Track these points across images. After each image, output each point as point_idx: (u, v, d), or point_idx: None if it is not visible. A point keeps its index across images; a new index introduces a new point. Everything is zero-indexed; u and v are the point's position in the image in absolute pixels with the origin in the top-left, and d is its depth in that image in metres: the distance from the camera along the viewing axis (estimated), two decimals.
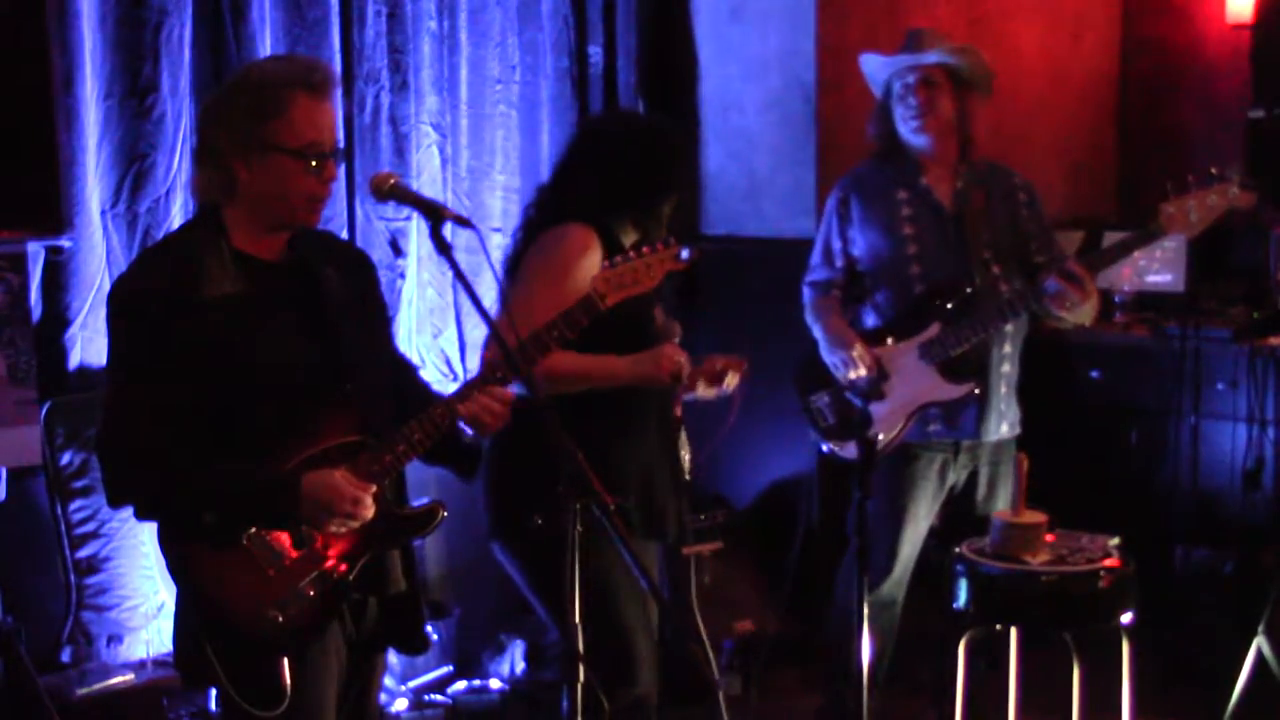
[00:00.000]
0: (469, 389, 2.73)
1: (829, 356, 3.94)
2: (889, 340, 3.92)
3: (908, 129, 3.94)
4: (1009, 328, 3.92)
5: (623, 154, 3.35)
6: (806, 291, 4.11)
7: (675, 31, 5.46)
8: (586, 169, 3.36)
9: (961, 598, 3.56)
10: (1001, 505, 4.03)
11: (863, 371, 3.85)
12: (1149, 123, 6.14)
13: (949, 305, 3.87)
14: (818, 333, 4.00)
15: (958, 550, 3.64)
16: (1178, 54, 6.04)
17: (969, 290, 3.87)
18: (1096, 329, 5.36)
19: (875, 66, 4.04)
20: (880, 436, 3.88)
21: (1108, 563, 3.51)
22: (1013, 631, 3.73)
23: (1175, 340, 4.99)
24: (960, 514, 4.04)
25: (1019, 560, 3.50)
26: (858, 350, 3.86)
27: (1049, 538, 3.58)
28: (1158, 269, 5.54)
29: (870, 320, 4.00)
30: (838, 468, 4.17)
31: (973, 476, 4.02)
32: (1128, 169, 6.15)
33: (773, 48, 5.25)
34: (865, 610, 3.49)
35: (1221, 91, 5.85)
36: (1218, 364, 4.99)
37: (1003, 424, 4.01)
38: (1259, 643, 4.10)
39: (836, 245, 4.05)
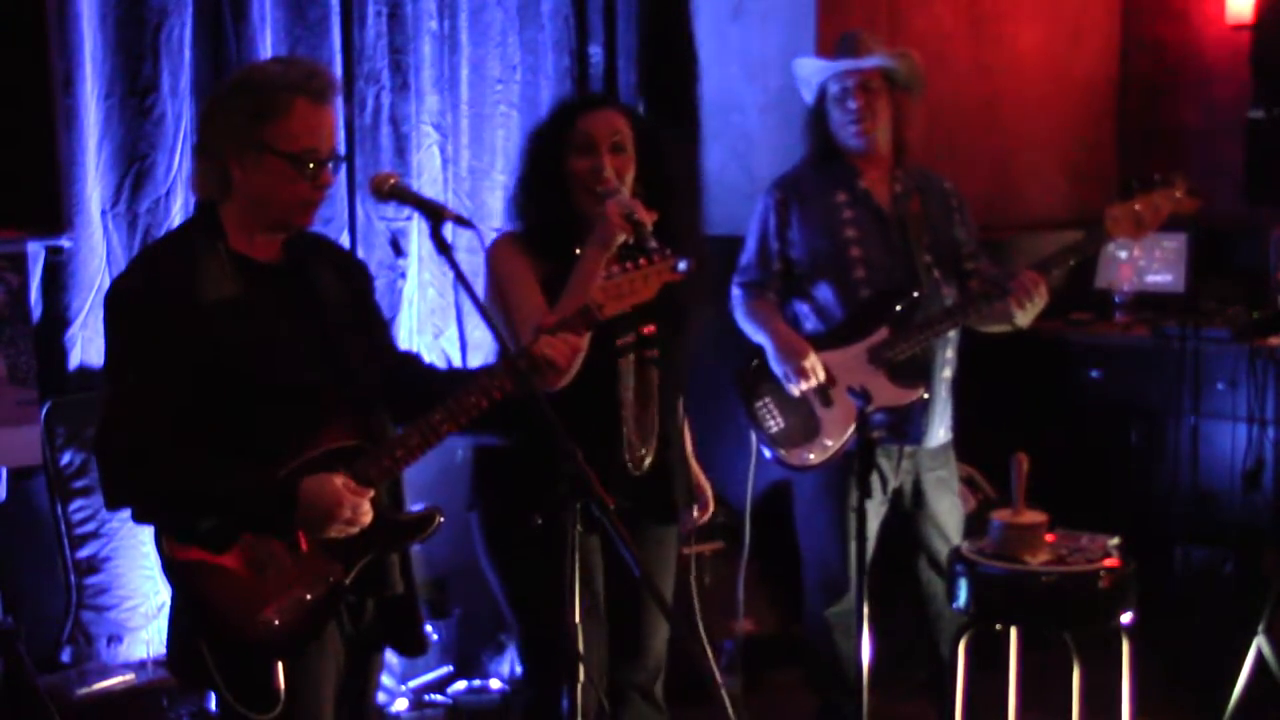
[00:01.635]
0: (468, 394, 2.72)
1: (778, 366, 3.89)
2: (836, 344, 3.88)
3: (846, 133, 3.92)
4: (951, 333, 3.92)
5: (522, 157, 3.35)
6: (739, 293, 4.05)
7: (675, 31, 5.45)
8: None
9: (961, 598, 3.56)
10: (950, 505, 4.03)
11: (814, 383, 3.83)
12: (1149, 123, 6.13)
13: (897, 308, 3.86)
14: (764, 339, 3.94)
15: (958, 550, 3.64)
16: (1178, 54, 6.04)
17: (915, 294, 3.86)
18: (1096, 329, 5.38)
19: (811, 70, 4.00)
20: (829, 443, 3.88)
21: (1108, 563, 3.51)
22: (1013, 631, 3.73)
23: (1175, 340, 4.99)
24: (912, 520, 4.03)
25: (1019, 560, 3.50)
26: (810, 361, 3.82)
27: (1049, 538, 3.58)
28: (1157, 269, 5.54)
29: (810, 323, 3.97)
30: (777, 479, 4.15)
31: (917, 482, 4.00)
32: (1128, 169, 6.14)
33: (773, 48, 5.24)
34: (865, 610, 3.50)
35: (1221, 91, 5.84)
36: (1218, 364, 4.99)
37: (941, 429, 4.01)
38: (1259, 643, 4.10)
39: (774, 247, 4.00)
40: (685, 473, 3.39)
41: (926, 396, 3.87)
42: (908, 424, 3.91)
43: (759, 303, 4.01)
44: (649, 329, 3.23)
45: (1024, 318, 3.82)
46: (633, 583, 3.25)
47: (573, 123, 3.22)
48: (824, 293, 3.94)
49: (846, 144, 3.94)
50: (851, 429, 3.83)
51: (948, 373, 3.98)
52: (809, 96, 4.03)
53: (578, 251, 3.16)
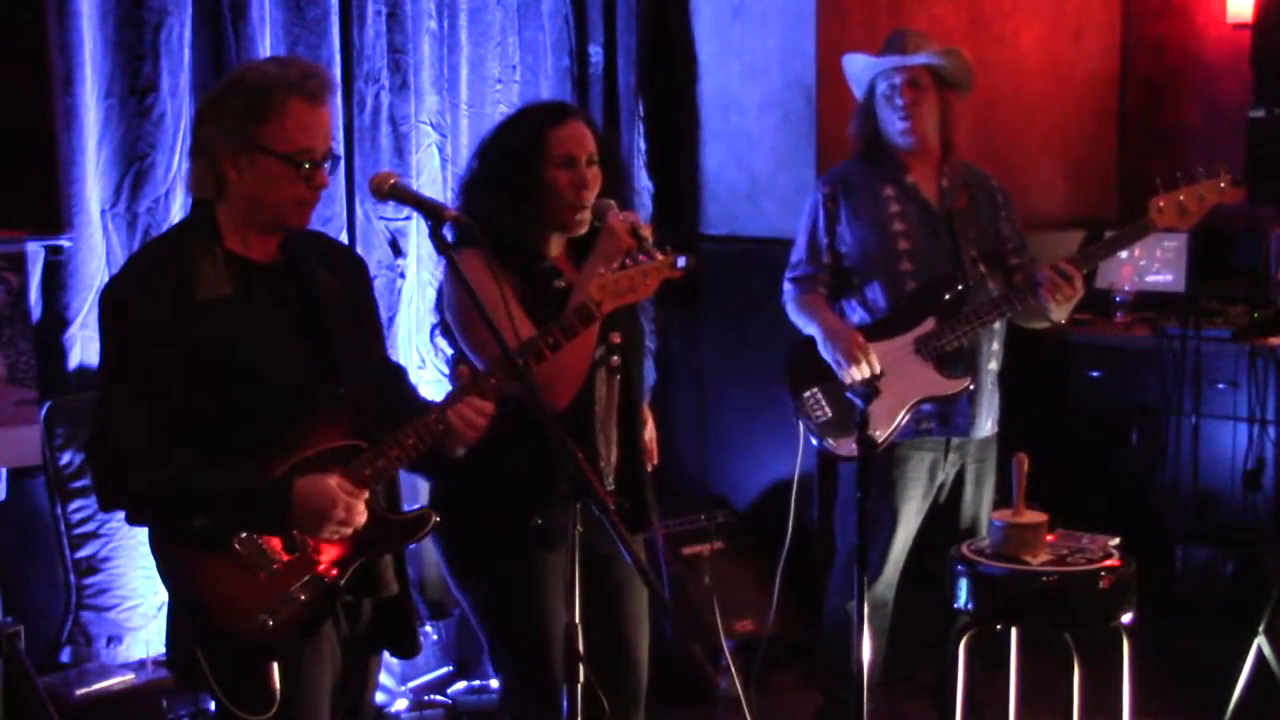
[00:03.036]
0: (459, 394, 2.72)
1: (829, 353, 3.92)
2: (883, 336, 3.91)
3: (894, 129, 3.95)
4: (997, 325, 3.94)
5: (475, 163, 3.25)
6: (790, 288, 4.09)
7: (675, 31, 5.45)
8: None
9: (961, 598, 3.56)
10: (988, 501, 4.05)
11: (865, 367, 3.84)
12: (1149, 123, 6.13)
13: (944, 299, 3.88)
14: (814, 329, 3.98)
15: (958, 550, 3.64)
16: (1178, 54, 6.04)
17: (960, 287, 3.88)
18: (1096, 329, 5.38)
19: (860, 67, 4.04)
20: (877, 433, 3.88)
21: (1108, 563, 3.51)
22: (1013, 631, 3.73)
23: (1175, 340, 4.99)
24: (946, 512, 4.04)
25: (1019, 560, 3.50)
26: (859, 345, 3.85)
27: (1049, 538, 3.58)
28: (1158, 269, 5.54)
29: (857, 316, 4.00)
30: (827, 469, 4.16)
31: (960, 474, 4.03)
32: (1128, 169, 6.15)
33: (773, 48, 5.25)
34: (865, 610, 3.50)
35: (1221, 91, 5.84)
36: (1218, 364, 4.98)
37: (988, 420, 4.03)
38: (1259, 643, 4.10)
39: (823, 241, 4.03)
40: (650, 479, 3.36)
41: (973, 387, 3.89)
42: (956, 415, 3.94)
43: (809, 296, 4.05)
44: (615, 338, 3.19)
45: (1059, 312, 3.85)
46: (613, 597, 3.24)
47: (546, 135, 3.12)
48: (872, 286, 3.98)
49: (894, 140, 3.97)
50: (899, 419, 3.85)
51: (994, 365, 4.02)
52: (859, 93, 4.07)
53: (543, 264, 3.14)
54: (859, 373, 3.85)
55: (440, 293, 3.25)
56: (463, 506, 3.13)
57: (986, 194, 4.05)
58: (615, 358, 3.20)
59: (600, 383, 3.19)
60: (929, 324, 3.89)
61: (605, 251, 3.03)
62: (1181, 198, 3.70)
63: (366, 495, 2.64)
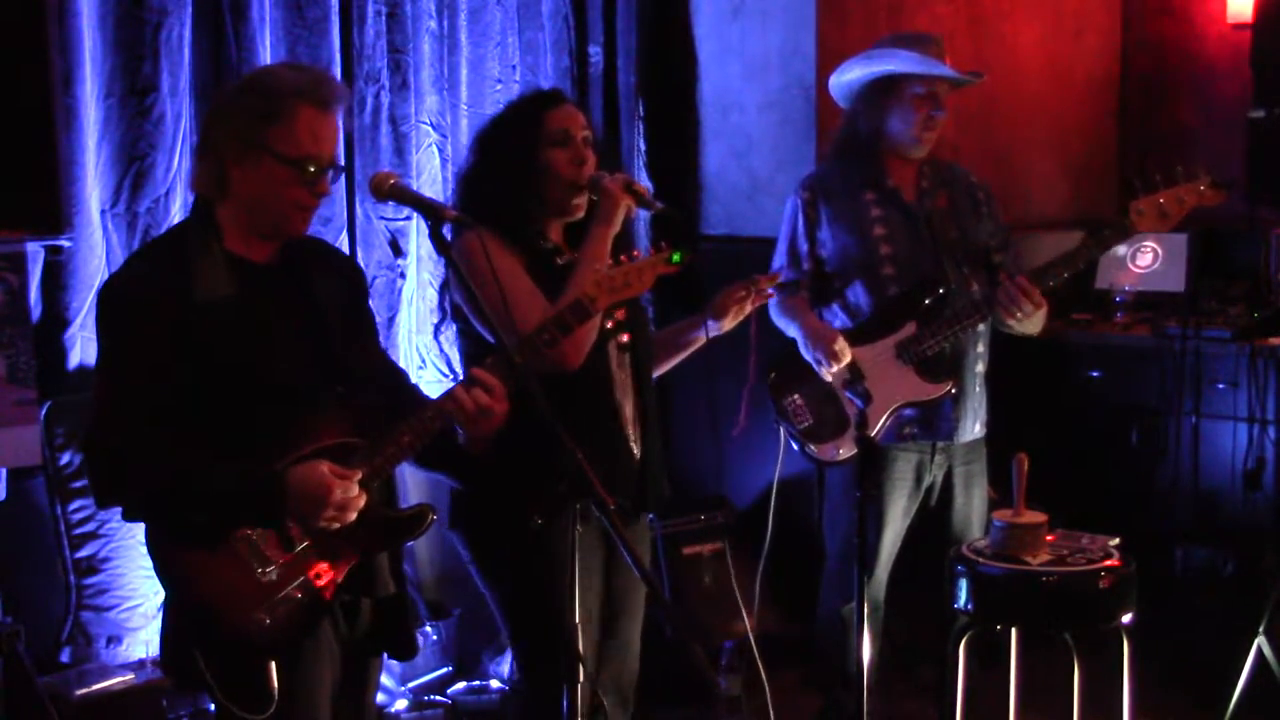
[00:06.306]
0: (465, 385, 2.72)
1: (810, 353, 3.89)
2: (864, 340, 3.89)
3: (913, 133, 3.88)
4: (981, 326, 3.93)
5: (473, 156, 3.30)
6: (772, 293, 4.08)
7: (675, 31, 5.46)
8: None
9: (961, 598, 3.56)
10: (978, 503, 4.04)
11: (844, 364, 3.82)
12: (1149, 123, 6.14)
13: (925, 302, 3.86)
14: (794, 331, 3.96)
15: (958, 550, 3.64)
16: (1178, 54, 6.04)
17: (942, 290, 3.87)
18: (1096, 329, 5.38)
19: (903, 61, 3.87)
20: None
21: (1108, 563, 3.51)
22: (1013, 631, 3.73)
23: (1175, 340, 4.99)
24: (938, 515, 4.04)
25: (1019, 560, 3.50)
26: (839, 344, 3.82)
27: (1049, 538, 3.58)
28: (1158, 269, 5.54)
29: (839, 321, 3.98)
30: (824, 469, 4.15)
31: (948, 477, 4.02)
32: (1128, 168, 6.15)
33: (773, 47, 5.25)
34: (865, 610, 3.50)
35: (1221, 91, 5.85)
36: (1218, 364, 4.98)
37: (975, 424, 4.01)
38: (1259, 643, 4.10)
39: (804, 247, 4.01)
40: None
41: (954, 391, 3.88)
42: (939, 419, 3.92)
43: (792, 300, 4.03)
44: (621, 314, 3.22)
45: (1029, 326, 3.81)
46: (614, 583, 3.26)
47: (541, 118, 3.18)
48: (854, 291, 3.96)
49: (902, 142, 3.91)
50: (880, 423, 3.84)
51: (980, 367, 4.00)
52: (857, 81, 3.93)
53: (544, 244, 3.17)
54: (839, 368, 3.83)
55: (444, 288, 3.28)
56: (478, 505, 3.17)
57: (967, 192, 4.02)
58: (625, 334, 3.23)
59: (613, 359, 3.21)
60: (909, 328, 3.86)
61: (605, 213, 3.11)
62: (1161, 200, 3.67)
63: (359, 477, 2.63)
